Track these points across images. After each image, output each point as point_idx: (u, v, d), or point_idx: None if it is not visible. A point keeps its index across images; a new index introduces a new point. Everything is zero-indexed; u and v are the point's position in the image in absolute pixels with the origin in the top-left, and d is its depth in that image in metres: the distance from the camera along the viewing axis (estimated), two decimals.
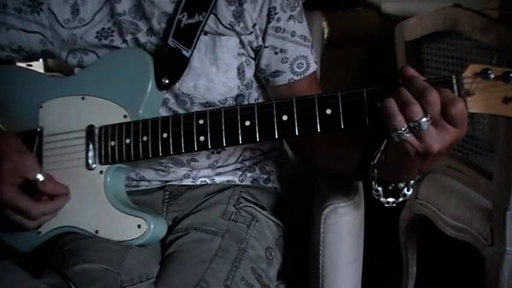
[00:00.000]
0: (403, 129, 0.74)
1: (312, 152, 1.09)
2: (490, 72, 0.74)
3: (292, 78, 1.08)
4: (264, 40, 1.06)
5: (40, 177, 0.95)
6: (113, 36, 1.04)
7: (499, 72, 0.74)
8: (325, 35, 2.55)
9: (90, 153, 1.00)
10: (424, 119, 0.73)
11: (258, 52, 1.08)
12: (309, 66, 1.09)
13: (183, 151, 0.92)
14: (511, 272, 1.37)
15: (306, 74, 1.09)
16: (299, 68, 1.08)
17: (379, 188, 0.86)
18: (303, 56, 1.08)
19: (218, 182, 1.14)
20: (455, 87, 0.76)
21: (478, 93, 0.75)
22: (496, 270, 1.38)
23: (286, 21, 1.05)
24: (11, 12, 1.08)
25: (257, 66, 1.09)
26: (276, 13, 1.04)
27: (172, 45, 1.00)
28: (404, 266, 1.87)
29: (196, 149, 0.91)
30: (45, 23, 1.07)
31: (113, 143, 0.98)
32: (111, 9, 1.03)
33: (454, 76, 0.76)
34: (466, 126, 0.74)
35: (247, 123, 0.88)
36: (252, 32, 1.04)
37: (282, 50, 1.06)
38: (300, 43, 1.07)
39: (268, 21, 1.04)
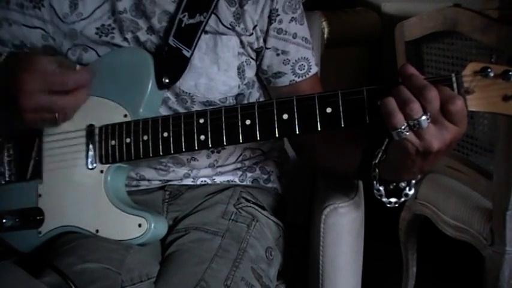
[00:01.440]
0: (402, 127, 0.74)
1: (314, 151, 1.09)
2: (489, 70, 0.74)
3: (293, 80, 1.08)
4: (265, 41, 1.06)
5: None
6: (113, 33, 1.04)
7: (498, 70, 0.74)
8: (325, 35, 2.55)
9: (91, 153, 0.99)
10: (424, 117, 0.73)
11: (259, 53, 1.08)
12: (311, 68, 1.09)
13: (183, 150, 0.92)
14: (511, 272, 1.37)
15: (307, 76, 1.09)
16: (300, 70, 1.08)
17: (381, 188, 0.86)
18: (304, 57, 1.08)
19: (218, 182, 1.14)
20: (454, 85, 0.76)
21: (478, 92, 0.75)
22: (496, 270, 1.38)
23: (288, 23, 1.05)
24: (14, 8, 1.08)
25: (259, 67, 1.10)
26: (278, 15, 1.04)
27: (172, 44, 1.00)
28: (404, 266, 1.87)
29: (196, 148, 0.91)
30: (47, 18, 1.07)
31: (113, 142, 0.98)
32: (112, 6, 1.03)
33: (453, 74, 0.76)
34: (465, 123, 0.74)
35: (248, 122, 0.88)
36: (252, 34, 1.04)
37: (283, 52, 1.07)
38: (302, 45, 1.08)
39: (270, 23, 1.04)
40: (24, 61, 0.97)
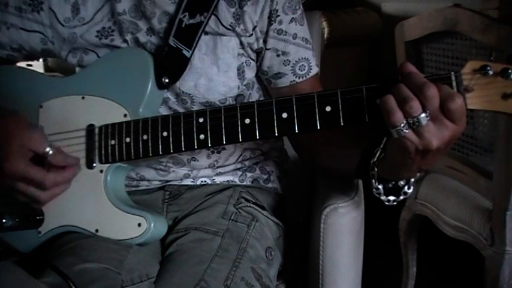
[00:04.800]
0: (402, 125, 0.74)
1: (314, 151, 1.09)
2: (489, 68, 0.74)
3: (294, 81, 1.08)
4: (265, 42, 1.06)
5: (49, 150, 0.95)
6: (113, 35, 1.04)
7: (497, 68, 0.73)
8: (325, 35, 2.55)
9: (91, 153, 1.00)
10: (423, 115, 0.73)
11: (259, 54, 1.08)
12: (311, 69, 1.09)
13: (183, 149, 0.93)
14: (511, 272, 1.37)
15: (308, 76, 1.09)
16: (301, 71, 1.08)
17: (380, 186, 0.86)
18: (304, 58, 1.08)
19: (218, 182, 1.14)
20: (454, 83, 0.76)
21: (477, 90, 0.75)
22: (496, 270, 1.38)
23: (288, 24, 1.05)
24: (12, 11, 1.08)
25: (259, 68, 1.10)
26: (278, 15, 1.04)
27: (173, 44, 1.00)
28: (404, 266, 1.87)
29: (196, 147, 0.91)
30: (46, 22, 1.07)
31: (113, 142, 0.98)
32: (111, 8, 1.04)
33: (453, 73, 0.76)
34: (464, 121, 0.74)
35: (247, 121, 0.88)
36: (252, 34, 1.04)
37: (283, 53, 1.06)
38: (302, 45, 1.07)
39: (270, 24, 1.04)
40: (15, 134, 0.95)
